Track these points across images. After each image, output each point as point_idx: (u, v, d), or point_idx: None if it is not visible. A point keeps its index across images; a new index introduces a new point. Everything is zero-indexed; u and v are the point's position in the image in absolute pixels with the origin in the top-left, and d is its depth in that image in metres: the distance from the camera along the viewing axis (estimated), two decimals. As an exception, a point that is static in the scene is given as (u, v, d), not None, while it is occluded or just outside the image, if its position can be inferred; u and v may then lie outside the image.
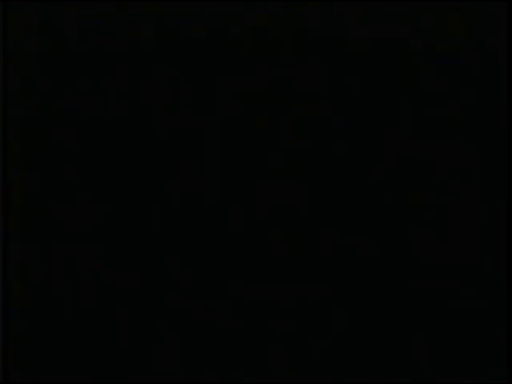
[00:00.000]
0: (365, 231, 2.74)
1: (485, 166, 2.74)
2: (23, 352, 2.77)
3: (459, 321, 2.73)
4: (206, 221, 2.74)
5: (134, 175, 2.77)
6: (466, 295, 2.73)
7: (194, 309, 2.75)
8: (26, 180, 2.78)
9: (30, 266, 2.77)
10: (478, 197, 2.74)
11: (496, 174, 2.73)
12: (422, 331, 2.73)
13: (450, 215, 2.74)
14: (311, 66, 2.75)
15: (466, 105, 2.76)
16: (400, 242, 2.74)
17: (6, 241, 2.76)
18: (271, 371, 2.73)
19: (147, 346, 2.76)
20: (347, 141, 2.73)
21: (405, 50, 2.77)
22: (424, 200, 2.75)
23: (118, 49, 2.78)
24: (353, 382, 2.73)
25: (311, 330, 2.74)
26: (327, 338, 2.73)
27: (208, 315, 2.75)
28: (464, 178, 2.75)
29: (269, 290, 2.74)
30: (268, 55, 2.74)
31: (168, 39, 2.79)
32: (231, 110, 2.75)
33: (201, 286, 2.75)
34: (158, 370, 2.76)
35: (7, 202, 2.75)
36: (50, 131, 2.77)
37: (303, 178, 2.74)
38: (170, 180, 2.75)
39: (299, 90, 2.75)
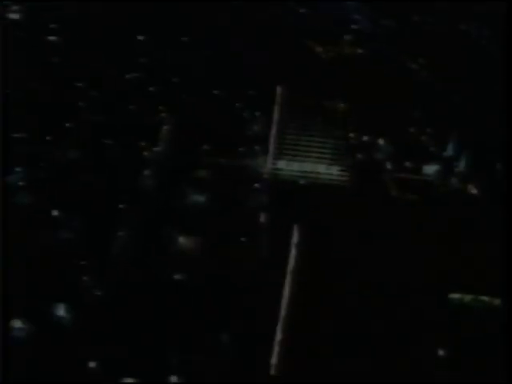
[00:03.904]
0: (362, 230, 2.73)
1: (485, 166, 2.74)
2: (23, 352, 2.78)
3: (459, 321, 2.73)
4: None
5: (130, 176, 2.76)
6: (465, 295, 2.73)
7: (193, 310, 2.75)
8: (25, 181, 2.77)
9: (30, 266, 2.77)
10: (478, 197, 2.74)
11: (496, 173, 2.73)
12: (422, 332, 2.73)
13: (450, 215, 2.74)
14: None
15: (465, 104, 2.76)
16: (400, 242, 2.74)
17: (5, 240, 2.76)
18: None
19: (147, 347, 2.76)
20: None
21: (404, 50, 2.77)
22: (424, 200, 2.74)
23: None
24: (353, 382, 2.74)
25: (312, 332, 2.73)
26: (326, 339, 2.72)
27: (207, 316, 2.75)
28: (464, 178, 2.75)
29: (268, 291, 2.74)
30: None
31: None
32: None
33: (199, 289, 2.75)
34: (157, 370, 2.76)
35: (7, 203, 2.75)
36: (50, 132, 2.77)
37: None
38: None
39: None
